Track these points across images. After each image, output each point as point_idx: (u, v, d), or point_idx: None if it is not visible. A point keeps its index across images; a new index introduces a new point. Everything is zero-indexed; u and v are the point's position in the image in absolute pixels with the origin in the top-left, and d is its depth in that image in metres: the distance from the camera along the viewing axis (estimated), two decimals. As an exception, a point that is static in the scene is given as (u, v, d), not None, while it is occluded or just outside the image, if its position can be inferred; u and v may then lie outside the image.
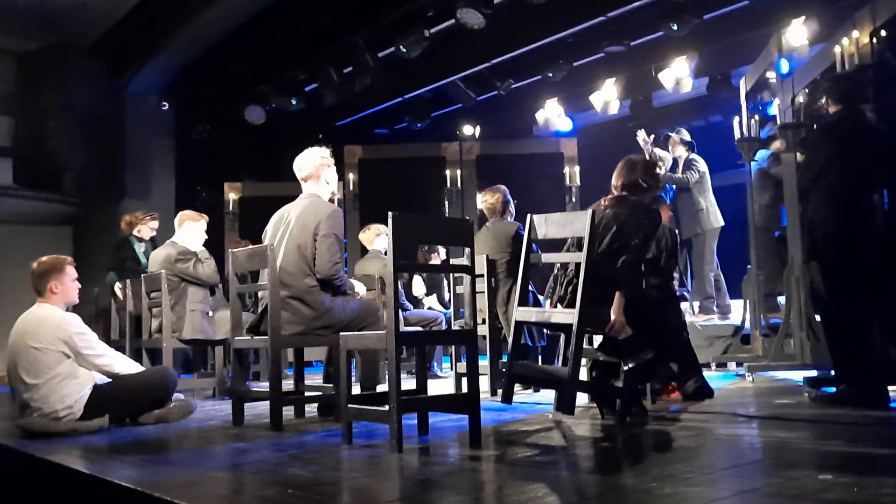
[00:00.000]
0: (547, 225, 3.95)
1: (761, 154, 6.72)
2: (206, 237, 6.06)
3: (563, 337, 4.20)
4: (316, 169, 4.38)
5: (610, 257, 3.79)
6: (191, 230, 5.96)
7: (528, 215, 4.01)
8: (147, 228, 7.00)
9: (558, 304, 3.94)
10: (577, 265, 3.75)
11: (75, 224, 10.39)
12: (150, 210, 7.44)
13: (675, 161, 7.82)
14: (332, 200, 4.49)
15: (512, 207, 5.66)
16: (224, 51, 9.19)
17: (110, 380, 4.26)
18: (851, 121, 4.24)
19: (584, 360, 4.34)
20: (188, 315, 5.64)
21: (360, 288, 4.54)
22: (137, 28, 8.97)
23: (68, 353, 4.09)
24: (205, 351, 6.60)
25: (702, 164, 7.70)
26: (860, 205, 4.23)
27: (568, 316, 3.67)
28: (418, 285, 7.89)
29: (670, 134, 8.03)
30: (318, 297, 4.15)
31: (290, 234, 4.24)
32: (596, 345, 4.10)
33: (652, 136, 7.95)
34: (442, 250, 7.68)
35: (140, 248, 6.84)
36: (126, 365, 4.36)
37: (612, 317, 3.67)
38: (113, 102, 9.62)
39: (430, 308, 7.78)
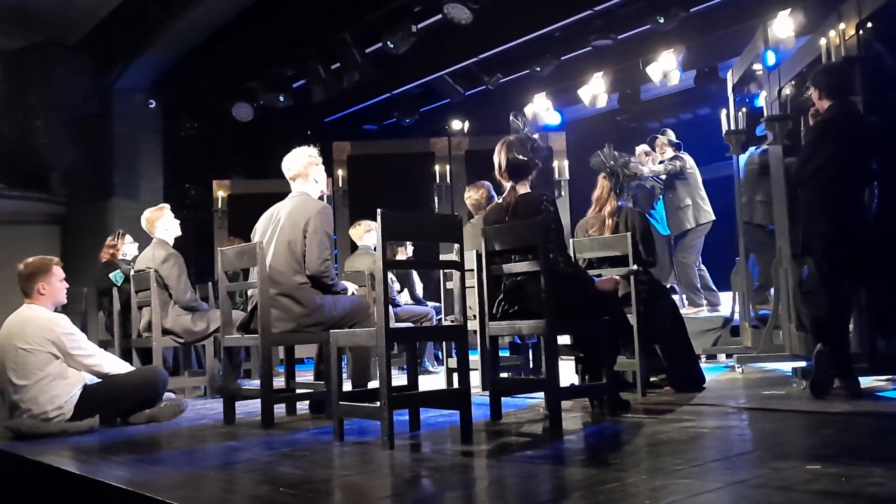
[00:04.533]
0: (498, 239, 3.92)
1: (753, 150, 6.75)
2: (177, 221, 6.01)
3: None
4: (304, 168, 4.39)
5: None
6: (163, 225, 5.92)
7: (482, 230, 3.94)
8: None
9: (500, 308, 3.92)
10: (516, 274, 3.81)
11: (63, 223, 10.34)
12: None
13: (664, 162, 7.88)
14: (321, 198, 4.50)
15: None
16: (211, 47, 9.13)
17: (100, 380, 4.25)
18: (847, 115, 4.27)
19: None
20: (174, 314, 5.61)
21: (350, 287, 4.54)
22: (124, 25, 8.91)
23: (57, 353, 4.08)
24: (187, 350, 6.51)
25: (688, 161, 7.75)
26: (859, 198, 4.27)
27: (537, 326, 3.69)
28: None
29: (657, 136, 8.11)
30: (308, 295, 4.15)
31: (280, 232, 4.24)
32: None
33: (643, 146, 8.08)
34: (409, 246, 7.55)
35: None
36: (116, 364, 4.36)
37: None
38: (100, 100, 9.57)
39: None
